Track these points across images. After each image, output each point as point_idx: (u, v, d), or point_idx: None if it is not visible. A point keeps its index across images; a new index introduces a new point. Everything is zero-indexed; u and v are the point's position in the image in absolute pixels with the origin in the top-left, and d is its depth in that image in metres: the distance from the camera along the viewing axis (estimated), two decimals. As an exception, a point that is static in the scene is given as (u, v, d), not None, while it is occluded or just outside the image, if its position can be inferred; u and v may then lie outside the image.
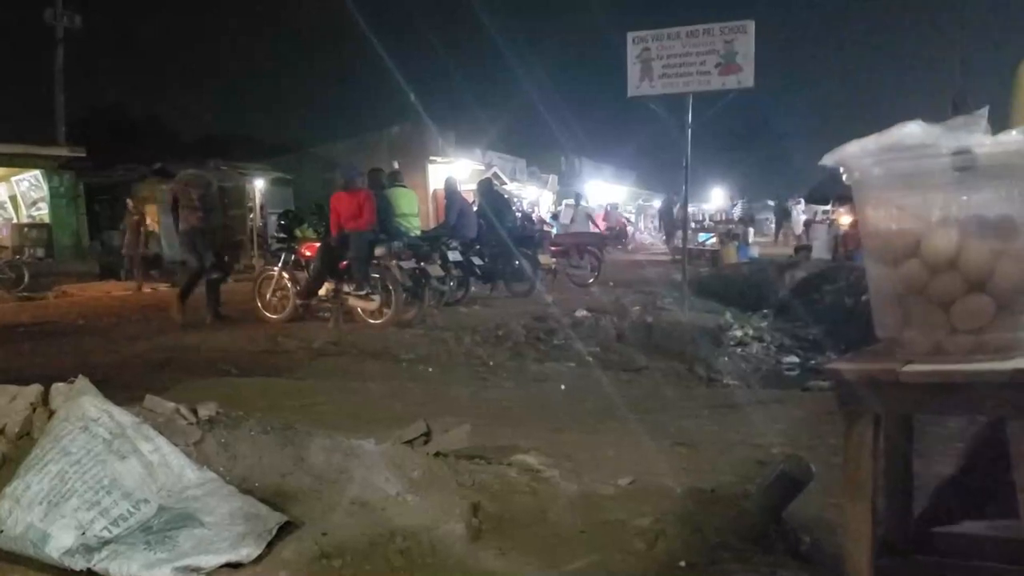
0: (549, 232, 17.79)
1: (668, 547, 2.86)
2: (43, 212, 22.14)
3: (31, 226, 21.85)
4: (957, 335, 1.77)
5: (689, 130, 10.76)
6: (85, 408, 2.97)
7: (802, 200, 32.93)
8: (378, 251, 9.85)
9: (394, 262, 9.84)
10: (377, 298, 9.74)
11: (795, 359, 9.61)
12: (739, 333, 10.60)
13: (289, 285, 10.39)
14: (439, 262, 10.71)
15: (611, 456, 4.11)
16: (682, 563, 2.77)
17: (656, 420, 5.08)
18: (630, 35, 10.55)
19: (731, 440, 4.54)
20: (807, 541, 2.93)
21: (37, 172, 21.85)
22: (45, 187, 21.86)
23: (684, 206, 12.43)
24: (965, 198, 1.77)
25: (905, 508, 2.23)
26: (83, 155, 21.93)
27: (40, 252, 21.03)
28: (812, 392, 6.48)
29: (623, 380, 6.97)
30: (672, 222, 27.75)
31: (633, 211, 47.14)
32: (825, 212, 28.04)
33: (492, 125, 36.85)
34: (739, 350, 9.77)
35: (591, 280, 15.41)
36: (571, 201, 32.28)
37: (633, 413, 5.22)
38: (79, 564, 2.59)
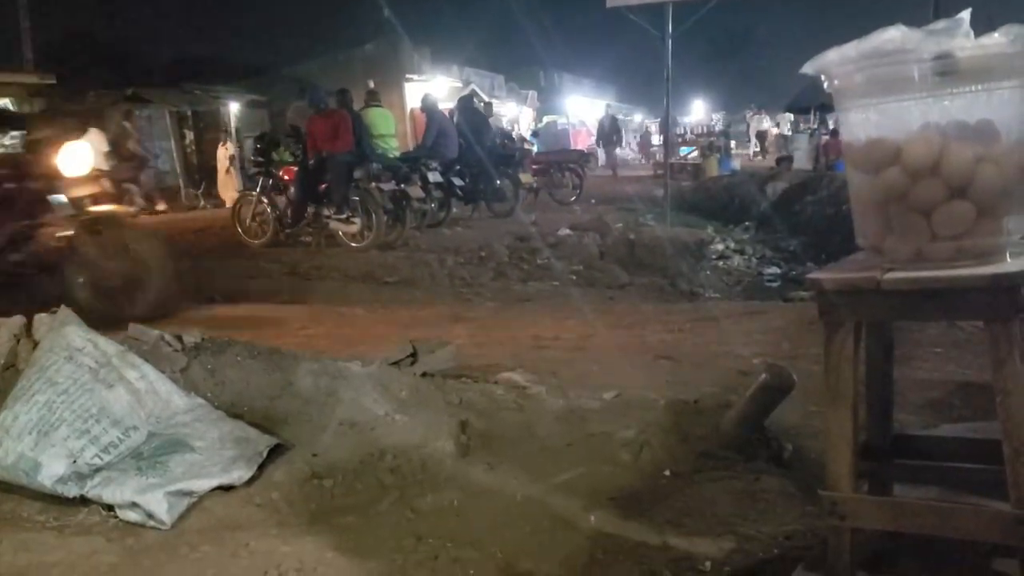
0: (529, 150, 17.59)
1: (653, 457, 2.92)
2: (16, 141, 21.68)
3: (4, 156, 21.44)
4: (938, 242, 1.77)
5: (669, 41, 10.60)
6: (69, 338, 2.97)
7: (760, 109, 32.53)
8: (357, 173, 9.75)
9: (373, 184, 9.75)
10: (358, 221, 9.67)
11: (776, 270, 9.68)
12: (720, 246, 10.65)
13: (268, 210, 10.29)
14: (419, 183, 10.62)
15: (595, 371, 4.15)
16: (667, 472, 2.83)
17: (639, 335, 5.12)
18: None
19: (713, 352, 4.59)
20: (789, 448, 2.99)
21: (6, 100, 21.34)
22: (15, 115, 21.39)
23: (666, 119, 12.31)
24: (946, 103, 1.76)
25: (885, 414, 2.26)
26: (53, 82, 21.43)
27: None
28: (793, 302, 6.54)
29: (606, 297, 7.02)
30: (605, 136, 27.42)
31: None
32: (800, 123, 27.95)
33: (469, 40, 36.21)
34: (721, 263, 9.84)
35: (573, 198, 15.34)
36: (552, 118, 31.89)
37: (616, 329, 5.27)
38: (72, 491, 2.61)
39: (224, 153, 18.81)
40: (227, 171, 18.36)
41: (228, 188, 17.95)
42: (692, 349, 4.67)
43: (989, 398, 1.76)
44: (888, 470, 2.26)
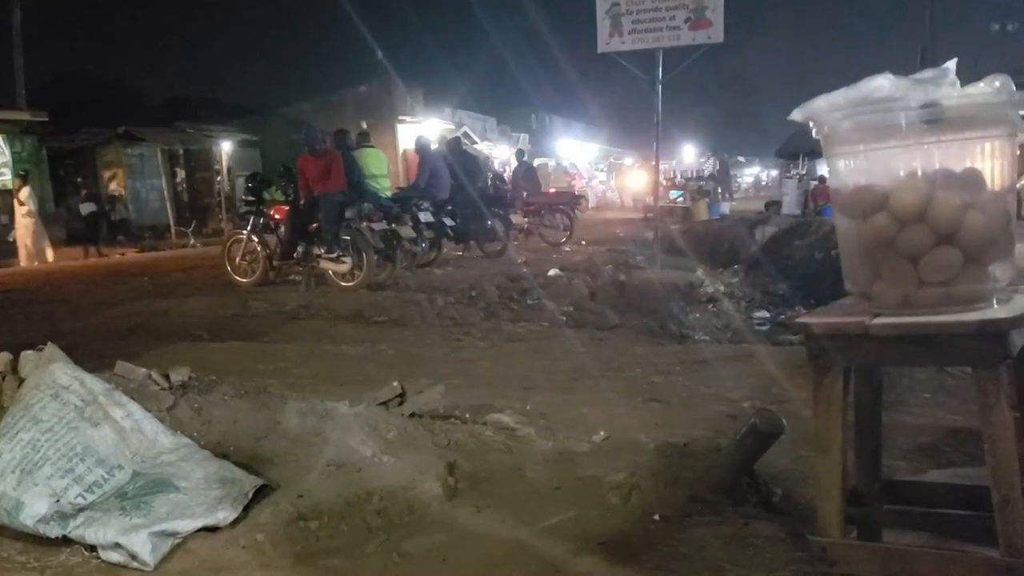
0: (521, 191, 17.69)
1: (642, 501, 2.90)
2: (6, 178, 21.69)
3: (-7, 193, 21.43)
4: (925, 288, 1.78)
5: (659, 86, 10.72)
6: (56, 375, 2.94)
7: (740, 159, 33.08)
8: (348, 213, 9.77)
9: (365, 224, 9.76)
10: (348, 260, 9.67)
11: (766, 314, 9.67)
12: (710, 289, 10.66)
13: (259, 249, 10.28)
14: (410, 223, 10.64)
15: (585, 413, 4.13)
16: (656, 516, 2.81)
17: (629, 377, 5.11)
18: (600, -10, 10.45)
19: (703, 395, 4.59)
20: (778, 493, 2.98)
21: (-1, 137, 21.39)
22: (7, 153, 21.39)
23: (656, 163, 12.39)
24: (933, 151, 1.78)
25: (874, 459, 2.26)
26: (45, 119, 21.49)
27: (4, 219, 20.68)
28: (783, 346, 6.53)
29: (596, 338, 7.00)
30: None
31: (604, 169, 47.09)
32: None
33: (461, 83, 36.66)
34: (710, 306, 9.83)
35: (563, 239, 15.41)
36: (543, 161, 32.20)
37: (606, 371, 5.26)
38: (54, 531, 2.58)
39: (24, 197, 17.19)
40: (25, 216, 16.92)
41: (27, 236, 16.67)
42: (682, 392, 4.66)
43: (978, 444, 1.76)
44: (877, 516, 2.26)
